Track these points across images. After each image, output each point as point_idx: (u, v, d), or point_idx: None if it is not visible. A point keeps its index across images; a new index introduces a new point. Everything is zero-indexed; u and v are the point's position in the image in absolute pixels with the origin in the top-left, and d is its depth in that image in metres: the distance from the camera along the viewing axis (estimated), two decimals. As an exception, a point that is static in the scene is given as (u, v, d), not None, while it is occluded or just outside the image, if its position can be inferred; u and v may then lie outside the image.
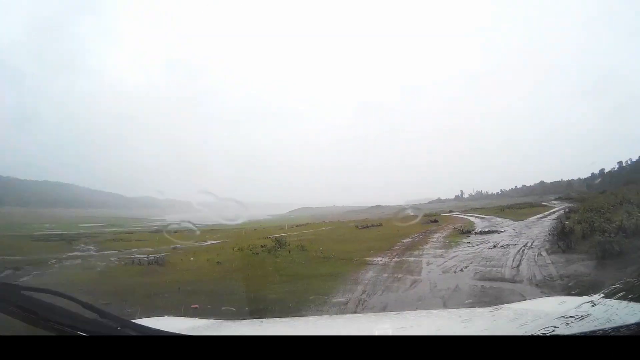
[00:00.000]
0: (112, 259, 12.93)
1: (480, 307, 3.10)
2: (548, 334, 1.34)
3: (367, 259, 11.25)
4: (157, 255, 12.26)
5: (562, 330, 1.36)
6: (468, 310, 3.36)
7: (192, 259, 12.90)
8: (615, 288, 1.95)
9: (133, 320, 1.53)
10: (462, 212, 42.11)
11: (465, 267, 9.11)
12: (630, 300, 1.69)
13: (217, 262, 11.62)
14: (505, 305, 2.41)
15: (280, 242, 14.76)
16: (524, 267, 8.53)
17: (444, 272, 8.90)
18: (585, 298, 1.91)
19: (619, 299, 1.77)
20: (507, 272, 8.20)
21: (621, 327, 1.25)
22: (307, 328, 2.21)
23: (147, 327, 1.41)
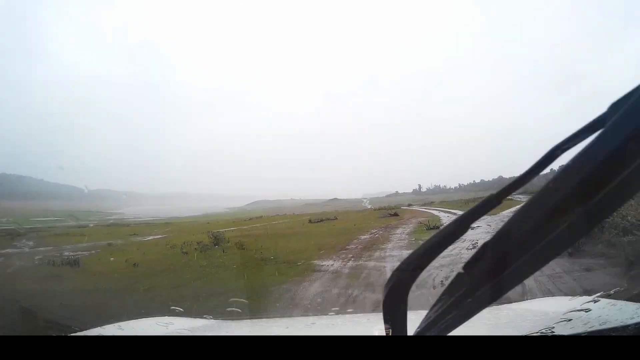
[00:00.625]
0: (36, 258, 11.61)
1: None
2: (548, 334, 1.33)
3: (315, 262, 8.82)
4: (77, 255, 11.07)
5: (562, 331, 1.35)
6: None
7: (112, 259, 11.43)
8: (615, 288, 2.03)
9: (133, 321, 1.55)
10: (422, 205, 41.46)
11: (446, 277, 6.57)
12: (630, 300, 1.65)
13: (134, 264, 10.10)
14: (505, 305, 2.32)
15: (217, 239, 12.79)
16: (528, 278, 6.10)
17: (418, 286, 6.25)
18: (585, 298, 1.85)
19: (619, 299, 1.73)
20: (509, 287, 5.71)
21: (621, 327, 1.23)
22: (307, 328, 2.12)
23: (147, 327, 1.41)
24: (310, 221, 23.07)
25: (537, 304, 2.24)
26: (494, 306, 2.31)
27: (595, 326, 1.32)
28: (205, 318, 2.43)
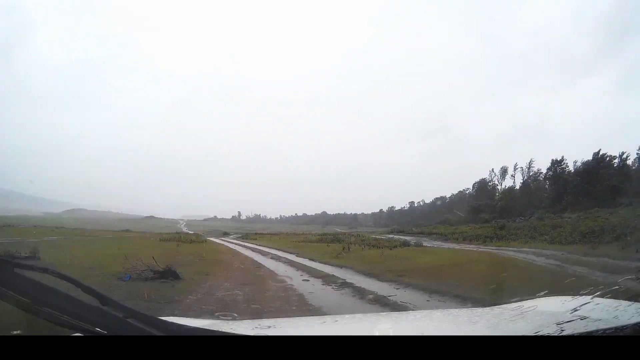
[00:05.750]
0: None
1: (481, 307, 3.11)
2: (548, 334, 1.34)
3: None
4: None
5: (562, 330, 1.36)
6: (468, 310, 3.23)
7: None
8: (615, 288, 1.94)
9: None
10: (243, 238, 31.52)
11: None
12: (630, 300, 1.69)
13: None
14: (505, 305, 2.37)
15: None
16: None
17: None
18: (585, 298, 1.88)
19: (619, 298, 1.77)
20: None
21: (621, 327, 1.26)
22: (307, 328, 2.15)
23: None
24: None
25: (537, 304, 2.26)
26: (494, 306, 2.45)
27: (595, 326, 1.33)
28: (205, 318, 2.41)
